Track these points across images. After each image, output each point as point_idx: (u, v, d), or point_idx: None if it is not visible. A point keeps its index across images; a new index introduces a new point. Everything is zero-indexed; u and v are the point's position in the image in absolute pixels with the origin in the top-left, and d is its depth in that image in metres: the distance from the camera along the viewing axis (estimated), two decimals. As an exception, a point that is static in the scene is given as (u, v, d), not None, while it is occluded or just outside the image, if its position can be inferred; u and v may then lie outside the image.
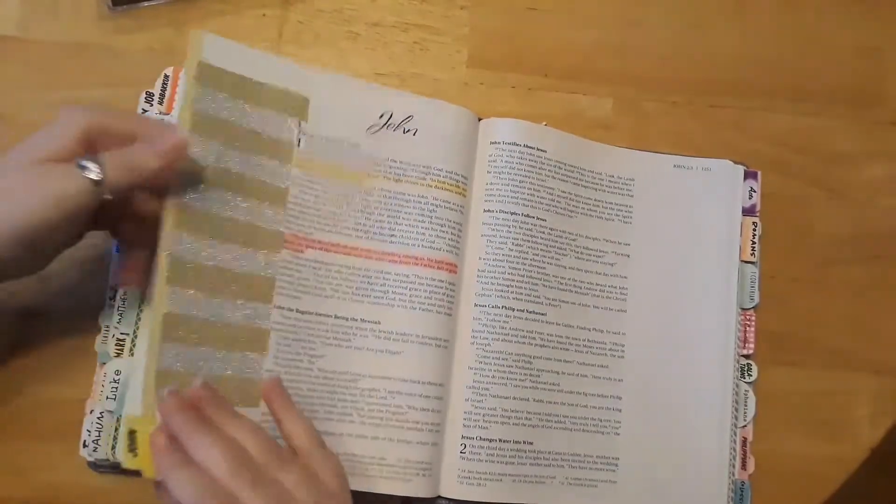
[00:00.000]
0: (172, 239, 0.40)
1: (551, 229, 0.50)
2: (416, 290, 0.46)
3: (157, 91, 0.49)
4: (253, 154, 0.44)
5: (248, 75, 0.44)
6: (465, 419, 0.46)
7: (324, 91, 0.47)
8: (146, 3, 0.51)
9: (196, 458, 0.35)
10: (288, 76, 0.46)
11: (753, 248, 0.52)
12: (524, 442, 0.47)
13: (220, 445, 0.35)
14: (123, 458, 0.38)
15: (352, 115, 0.48)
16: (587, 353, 0.49)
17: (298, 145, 0.46)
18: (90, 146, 0.38)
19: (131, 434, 0.38)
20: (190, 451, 0.35)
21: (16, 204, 0.36)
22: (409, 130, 0.48)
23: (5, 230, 0.36)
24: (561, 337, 0.49)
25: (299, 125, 0.46)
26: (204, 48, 0.43)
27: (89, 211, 0.37)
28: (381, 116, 0.48)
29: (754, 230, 0.53)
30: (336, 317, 0.45)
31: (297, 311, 0.44)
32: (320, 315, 0.45)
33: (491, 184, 0.49)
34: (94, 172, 0.36)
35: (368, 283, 0.46)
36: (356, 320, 0.45)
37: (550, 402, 0.48)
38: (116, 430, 0.44)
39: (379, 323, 0.46)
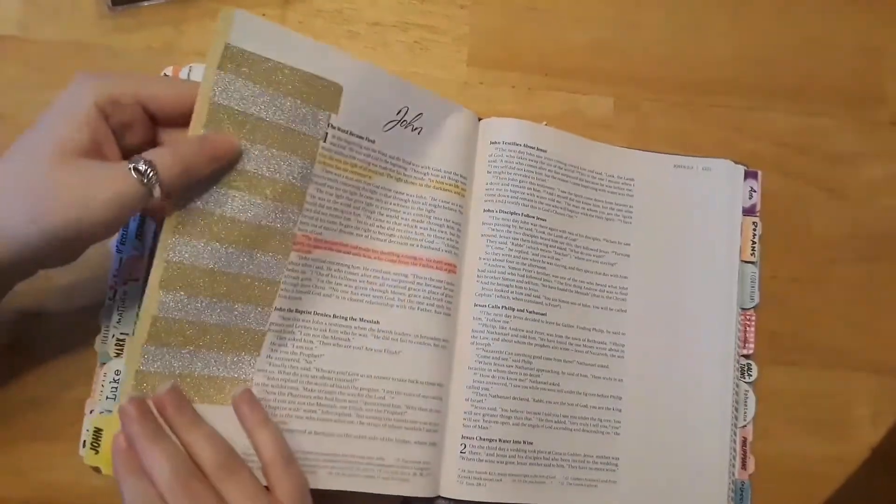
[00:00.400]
0: (172, 243, 0.39)
1: (551, 229, 0.50)
2: (414, 290, 0.46)
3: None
4: (275, 150, 0.41)
5: (280, 60, 0.40)
6: (465, 419, 0.46)
7: (354, 81, 0.43)
8: (145, 3, 0.51)
9: (146, 468, 0.36)
10: (322, 63, 0.42)
11: (754, 248, 0.52)
12: (524, 442, 0.47)
13: (167, 458, 0.36)
14: (85, 453, 0.39)
15: (375, 108, 0.45)
16: (587, 353, 0.49)
17: (325, 141, 0.43)
18: (106, 118, 0.37)
19: (97, 432, 0.39)
20: (142, 460, 0.36)
21: (64, 205, 0.35)
22: (416, 129, 0.47)
23: (47, 230, 0.35)
24: (561, 337, 0.49)
25: (329, 118, 0.43)
26: (233, 29, 0.39)
27: (140, 209, 0.38)
28: (399, 112, 0.46)
29: (754, 230, 0.53)
30: (335, 316, 0.44)
31: (296, 310, 0.43)
32: (318, 314, 0.44)
33: (491, 184, 0.49)
34: (148, 177, 0.36)
35: (368, 282, 0.45)
36: (355, 320, 0.45)
37: (550, 402, 0.48)
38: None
39: (378, 322, 0.45)
